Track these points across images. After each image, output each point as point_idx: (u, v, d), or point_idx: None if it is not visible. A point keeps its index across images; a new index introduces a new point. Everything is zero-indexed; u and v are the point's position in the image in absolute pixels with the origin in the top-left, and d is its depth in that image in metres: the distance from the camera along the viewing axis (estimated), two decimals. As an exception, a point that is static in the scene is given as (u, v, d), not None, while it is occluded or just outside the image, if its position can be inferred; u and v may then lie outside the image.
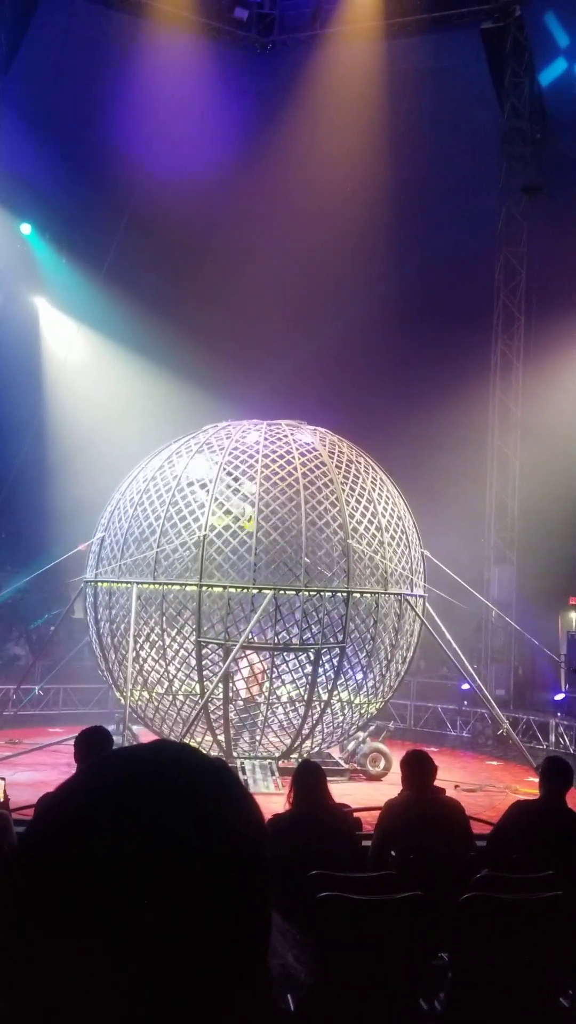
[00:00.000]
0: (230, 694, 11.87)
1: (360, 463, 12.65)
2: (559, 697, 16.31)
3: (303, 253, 19.55)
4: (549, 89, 18.85)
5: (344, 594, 11.84)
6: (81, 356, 19.91)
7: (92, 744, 5.68)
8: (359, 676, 12.50)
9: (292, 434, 12.63)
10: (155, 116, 18.40)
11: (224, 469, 12.05)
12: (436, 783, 6.08)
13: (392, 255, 19.76)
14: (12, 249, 19.06)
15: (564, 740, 15.41)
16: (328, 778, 6.07)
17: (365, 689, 12.54)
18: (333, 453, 12.52)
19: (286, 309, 19.54)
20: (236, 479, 12.08)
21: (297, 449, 12.32)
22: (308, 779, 5.76)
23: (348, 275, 19.33)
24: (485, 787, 12.01)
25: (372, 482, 12.50)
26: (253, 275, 19.60)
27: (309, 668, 12.02)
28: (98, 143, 18.88)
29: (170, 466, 12.41)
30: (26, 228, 19.28)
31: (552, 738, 15.53)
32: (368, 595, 12.08)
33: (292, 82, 19.53)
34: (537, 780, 6.34)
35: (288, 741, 12.15)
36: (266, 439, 12.41)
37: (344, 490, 12.11)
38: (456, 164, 19.37)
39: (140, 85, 18.32)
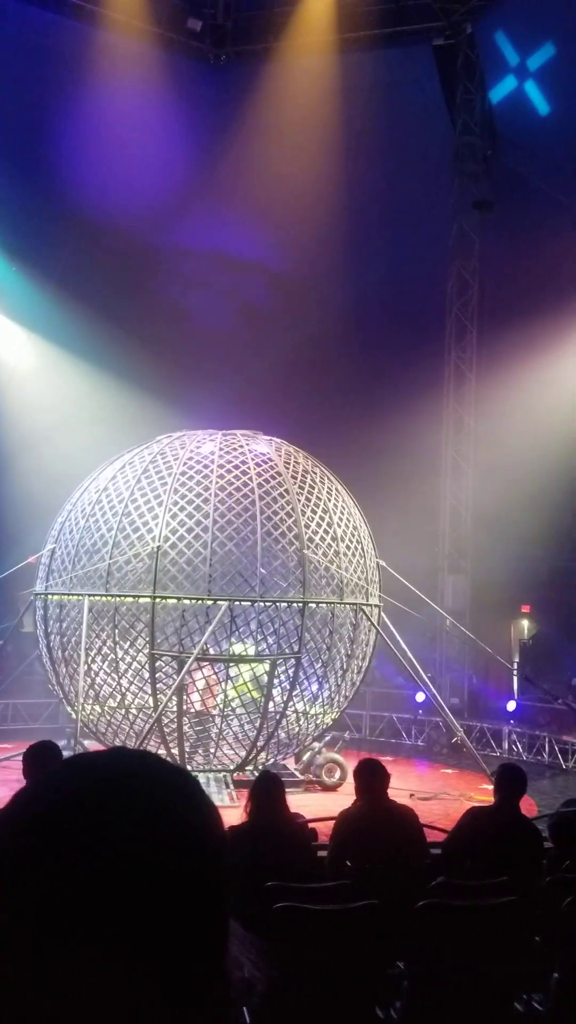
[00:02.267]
0: (184, 707, 11.76)
1: (316, 473, 12.66)
2: (511, 706, 16.46)
3: (257, 264, 19.61)
4: (500, 106, 19.17)
5: (299, 604, 11.81)
6: (32, 365, 19.68)
7: (41, 759, 5.58)
8: (315, 687, 12.47)
9: (247, 444, 12.60)
10: (107, 125, 18.34)
11: (178, 480, 11.96)
12: (391, 792, 6.07)
13: (347, 268, 19.89)
14: (-39, 258, 18.83)
15: (517, 747, 15.54)
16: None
17: (320, 700, 12.51)
18: (289, 463, 12.51)
19: (240, 320, 19.58)
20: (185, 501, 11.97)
21: (253, 459, 12.29)
22: (267, 790, 5.72)
23: (303, 287, 19.43)
24: (440, 795, 12.04)
25: (328, 492, 12.52)
26: (207, 286, 19.60)
27: (265, 679, 11.97)
28: (49, 152, 18.74)
29: (123, 476, 12.30)
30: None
31: (505, 745, 15.66)
32: (323, 605, 12.08)
33: (245, 94, 19.61)
34: (491, 787, 6.37)
35: (243, 753, 12.07)
36: (221, 449, 12.36)
37: (300, 500, 12.10)
38: (409, 179, 19.59)
39: (92, 94, 18.24)
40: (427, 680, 13.59)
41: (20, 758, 6.18)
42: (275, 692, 11.97)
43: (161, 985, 0.71)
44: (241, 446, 12.49)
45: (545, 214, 17.75)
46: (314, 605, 11.97)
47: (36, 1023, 0.69)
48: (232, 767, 11.95)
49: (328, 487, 12.61)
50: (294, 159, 19.10)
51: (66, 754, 7.93)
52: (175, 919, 0.72)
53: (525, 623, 18.74)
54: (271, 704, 11.93)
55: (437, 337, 19.49)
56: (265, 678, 11.91)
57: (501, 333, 18.28)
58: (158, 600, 11.54)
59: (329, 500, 12.42)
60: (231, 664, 12.10)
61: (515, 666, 16.87)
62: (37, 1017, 0.69)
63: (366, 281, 19.76)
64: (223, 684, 12.16)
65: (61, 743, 7.75)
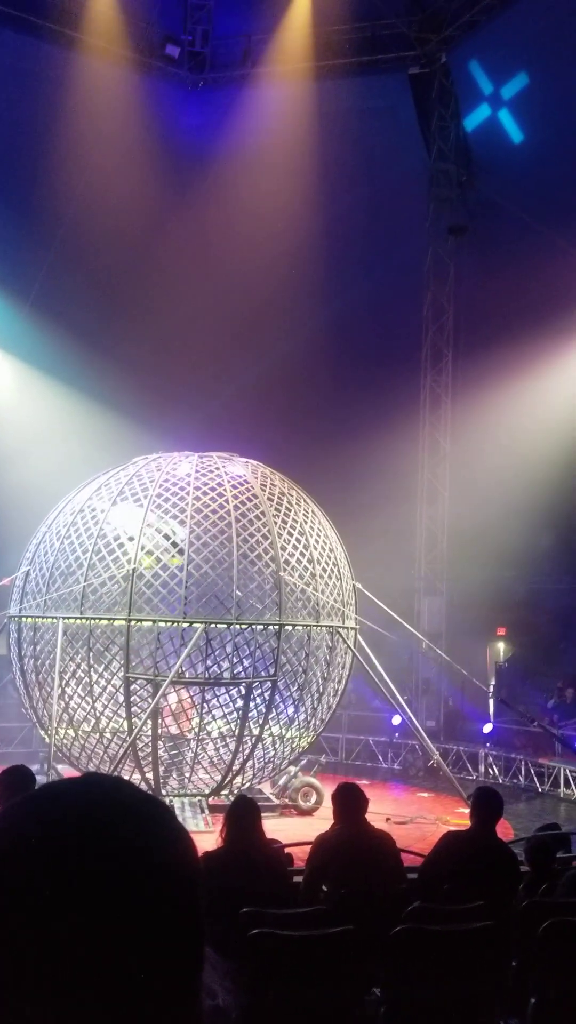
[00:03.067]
0: (159, 731, 11.66)
1: (292, 495, 12.67)
2: (488, 728, 16.46)
3: (233, 289, 19.71)
4: (474, 134, 19.48)
5: (276, 627, 11.77)
6: (7, 387, 19.61)
7: (13, 784, 5.49)
8: (291, 710, 12.42)
9: (224, 466, 12.59)
10: (85, 149, 18.41)
11: (154, 502, 11.93)
12: (367, 816, 6.03)
13: (323, 292, 20.05)
14: None
15: (493, 770, 15.54)
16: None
17: (297, 723, 12.45)
18: (265, 486, 12.52)
19: (217, 343, 19.63)
20: (165, 520, 11.92)
21: (229, 481, 12.28)
22: (243, 815, 5.66)
23: (279, 311, 19.53)
24: (416, 819, 12.00)
25: (304, 514, 12.52)
26: (183, 310, 19.66)
27: (240, 702, 11.90)
28: (26, 174, 18.77)
29: (98, 498, 12.24)
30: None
31: (482, 768, 15.65)
32: (300, 628, 12.04)
33: (223, 119, 19.79)
34: (468, 811, 6.35)
35: (218, 778, 11.97)
36: (197, 471, 12.34)
37: (276, 522, 12.10)
38: (385, 205, 19.81)
39: (69, 118, 18.33)
40: (403, 703, 13.56)
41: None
42: (251, 715, 11.90)
43: (134, 1014, 0.70)
44: (217, 468, 12.48)
45: (518, 239, 18.00)
46: (290, 628, 11.94)
47: None
48: (207, 791, 11.85)
49: (304, 509, 12.62)
50: (271, 184, 19.27)
51: (40, 779, 7.83)
52: (147, 949, 0.72)
53: (501, 645, 18.79)
54: (247, 728, 11.85)
55: (413, 360, 19.66)
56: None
57: (476, 356, 18.47)
58: (133, 623, 11.47)
59: (305, 522, 12.43)
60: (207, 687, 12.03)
61: (491, 688, 16.89)
62: None
63: (342, 305, 19.92)
64: (198, 707, 12.08)
65: (34, 767, 7.65)
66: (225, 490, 12.10)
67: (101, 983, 0.69)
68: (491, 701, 16.87)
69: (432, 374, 19.40)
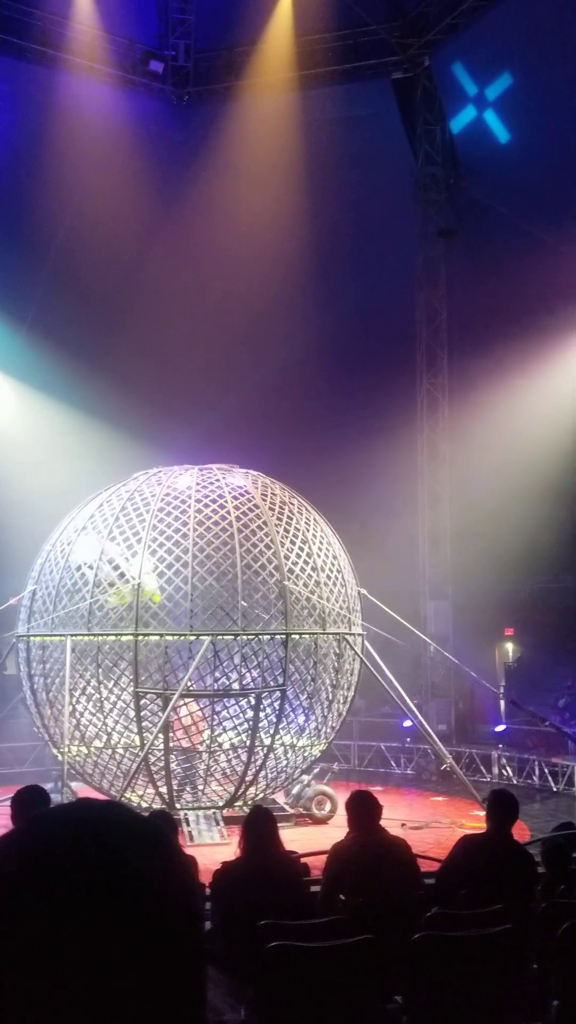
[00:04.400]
0: (171, 744, 11.65)
1: (293, 504, 12.68)
2: (500, 729, 16.43)
3: (226, 300, 19.76)
4: (460, 136, 19.54)
5: (282, 636, 11.77)
6: (7, 407, 19.67)
7: (28, 804, 5.49)
8: (301, 719, 12.40)
9: (224, 478, 12.61)
10: (74, 169, 18.49)
11: (155, 516, 11.94)
12: (382, 822, 6.02)
13: (315, 300, 20.11)
14: None
15: (507, 771, 15.50)
16: (273, 824, 5.97)
17: (308, 731, 12.44)
18: (266, 495, 12.53)
19: (212, 356, 19.68)
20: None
21: (230, 493, 12.30)
22: (260, 826, 5.66)
23: (272, 321, 19.57)
24: (431, 823, 11.97)
25: (306, 523, 12.53)
26: (177, 323, 19.72)
27: (250, 713, 11.89)
28: (17, 196, 18.85)
29: (101, 515, 12.26)
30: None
31: (495, 770, 15.61)
32: (307, 636, 12.04)
33: (209, 132, 19.88)
34: (483, 813, 6.34)
35: (232, 789, 11.95)
36: (198, 484, 12.36)
37: (278, 532, 12.11)
38: (373, 211, 19.87)
39: (57, 138, 18.40)
40: (413, 708, 13.55)
41: (7, 803, 6.10)
42: (261, 725, 11.88)
43: None
44: (217, 480, 12.50)
45: (509, 239, 18.06)
46: (297, 636, 11.94)
47: None
48: (221, 803, 11.83)
49: (306, 517, 12.63)
50: (258, 194, 19.35)
51: (54, 797, 7.83)
52: (144, 970, 0.72)
53: (509, 646, 18.77)
54: (258, 738, 11.84)
55: (408, 365, 19.70)
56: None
57: (472, 358, 18.50)
58: (140, 637, 11.47)
59: (308, 530, 12.43)
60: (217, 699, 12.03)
61: (501, 689, 16.86)
62: None
63: (335, 313, 19.97)
64: (209, 720, 12.07)
65: (48, 786, 7.64)
66: (226, 501, 12.11)
67: (100, 1006, 0.69)
68: (501, 702, 16.85)
69: (428, 377, 19.42)
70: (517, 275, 17.40)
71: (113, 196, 18.73)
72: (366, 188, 19.75)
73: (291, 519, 12.36)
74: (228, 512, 12.00)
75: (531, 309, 17.56)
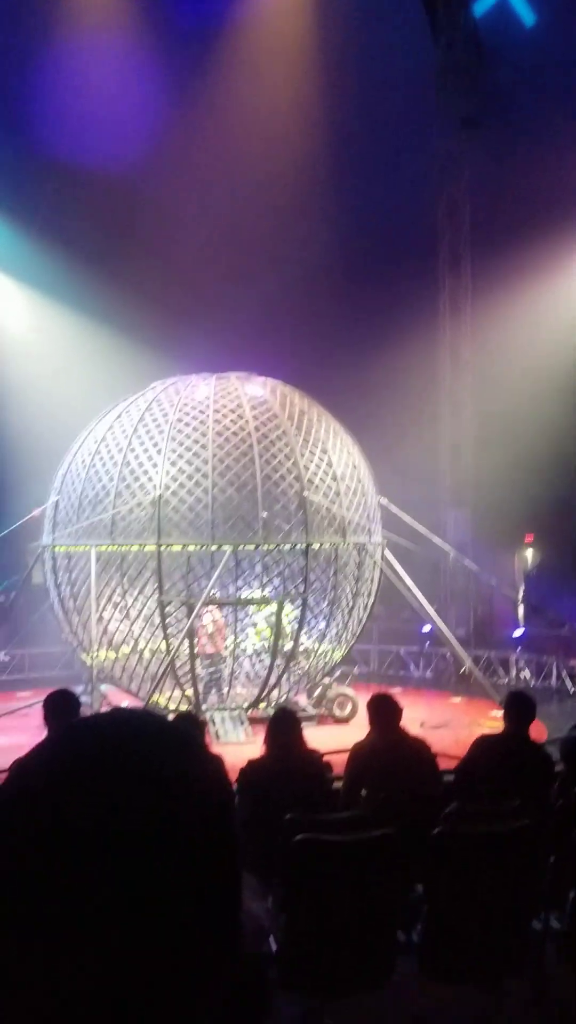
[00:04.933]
0: (195, 650, 11.92)
1: (313, 413, 12.60)
2: (518, 633, 16.65)
3: (240, 202, 19.24)
4: (483, 20, 18.63)
5: (303, 546, 11.88)
6: (21, 317, 19.47)
7: (60, 706, 5.69)
8: (322, 625, 12.61)
9: (242, 387, 12.52)
10: (81, 64, 17.83)
11: (174, 427, 11.93)
12: (402, 723, 6.19)
13: (332, 199, 19.53)
14: None
15: (525, 674, 15.77)
16: (296, 725, 6.14)
17: (329, 637, 12.67)
18: (285, 404, 12.46)
19: (227, 261, 19.28)
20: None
21: (248, 402, 12.24)
22: (284, 725, 5.85)
23: (289, 224, 19.08)
24: (450, 724, 12.25)
25: (326, 432, 12.48)
26: (191, 227, 19.27)
27: (273, 620, 12.11)
28: (23, 98, 18.25)
29: (119, 426, 12.27)
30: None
31: (513, 672, 15.88)
32: (327, 545, 12.14)
33: (220, 23, 19.03)
34: (500, 714, 6.49)
35: (256, 692, 12.27)
36: (216, 393, 12.29)
37: (298, 441, 12.08)
38: (392, 103, 19.09)
39: (63, 37, 17.70)
40: (433, 613, 13.73)
41: (39, 706, 6.29)
42: (283, 631, 12.11)
43: (176, 935, 0.72)
44: (236, 389, 12.42)
45: (535, 129, 17.33)
46: (317, 546, 12.04)
47: (44, 985, 0.71)
48: (246, 705, 12.16)
49: (326, 427, 12.57)
50: (273, 88, 18.63)
51: (83, 699, 8.08)
52: (185, 873, 0.74)
53: (529, 553, 18.84)
54: (280, 643, 12.09)
55: (430, 266, 19.19)
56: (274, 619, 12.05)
57: (496, 257, 17.98)
58: (163, 548, 11.62)
59: (327, 440, 12.40)
60: (241, 607, 12.25)
61: (520, 595, 17.01)
62: (46, 978, 0.70)
63: (353, 213, 19.42)
64: (232, 627, 12.31)
65: (78, 689, 7.90)
66: (245, 411, 12.07)
67: (140, 909, 0.71)
68: (520, 607, 17.03)
69: (450, 279, 18.95)
70: (544, 168, 16.76)
71: (121, 92, 18.09)
72: (384, 79, 18.93)
73: (310, 428, 12.31)
74: (247, 422, 11.96)
75: (559, 203, 16.95)
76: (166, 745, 0.80)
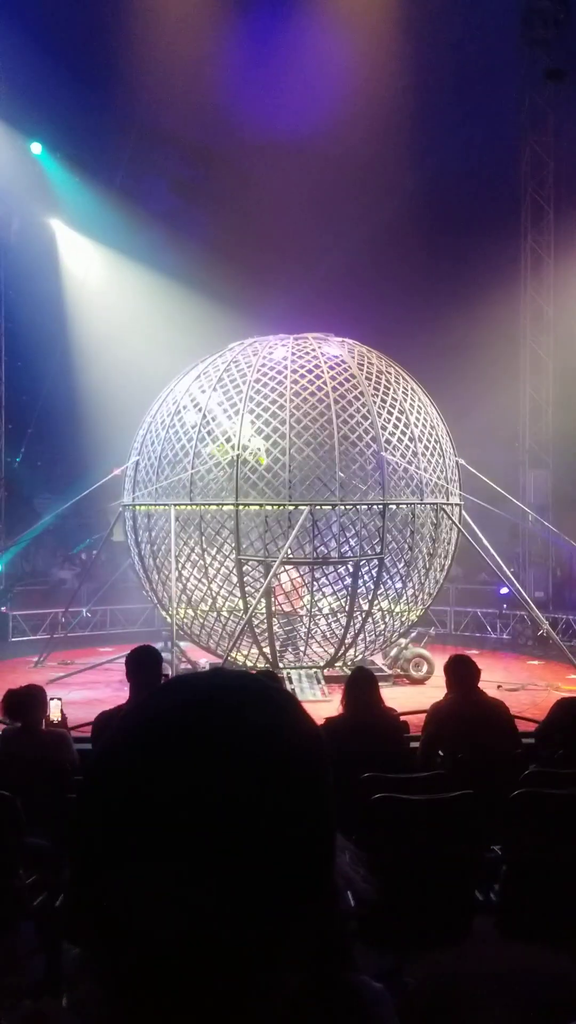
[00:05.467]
0: (273, 608, 12.06)
1: (390, 373, 12.51)
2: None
3: (319, 159, 18.99)
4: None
5: (380, 507, 11.87)
6: (100, 277, 19.67)
7: (142, 662, 5.84)
8: (398, 585, 12.62)
9: (320, 347, 12.49)
10: (159, 25, 17.71)
11: (252, 388, 11.99)
12: (479, 684, 6.19)
13: (412, 153, 19.13)
14: (24, 170, 18.63)
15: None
16: (373, 685, 6.20)
17: (405, 598, 12.68)
18: (362, 365, 12.39)
19: (305, 220, 19.10)
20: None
21: (326, 363, 12.20)
22: (362, 684, 5.92)
23: (366, 179, 18.77)
24: (527, 686, 12.19)
25: (403, 392, 12.38)
26: (269, 186, 19.10)
27: (349, 580, 12.16)
28: (103, 55, 18.26)
29: (198, 386, 12.38)
30: (36, 148, 18.80)
31: (592, 636, 15.66)
32: (404, 506, 12.11)
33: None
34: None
35: (332, 651, 12.38)
36: (293, 354, 12.29)
37: (375, 402, 12.02)
38: (475, 53, 18.51)
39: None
40: (511, 575, 13.60)
41: (121, 661, 6.48)
42: (360, 592, 12.16)
43: (271, 890, 0.74)
44: (313, 350, 12.39)
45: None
46: (394, 507, 12.02)
47: (137, 926, 0.72)
48: (322, 663, 12.29)
49: (403, 387, 12.47)
50: (353, 37, 18.20)
51: (164, 655, 8.27)
52: (280, 835, 0.75)
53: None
54: (356, 604, 12.15)
55: (512, 221, 18.69)
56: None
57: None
58: (241, 507, 11.75)
59: (405, 400, 12.30)
60: (317, 567, 12.32)
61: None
62: (138, 920, 0.72)
63: (432, 168, 19.01)
64: (308, 586, 12.41)
65: (158, 645, 8.08)
66: (323, 372, 12.04)
67: (241, 857, 0.73)
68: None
69: (533, 234, 18.43)
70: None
71: (198, 46, 17.93)
72: (467, 28, 18.35)
73: (388, 388, 12.23)
74: (324, 383, 11.94)
75: None
76: (267, 704, 0.82)
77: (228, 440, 11.84)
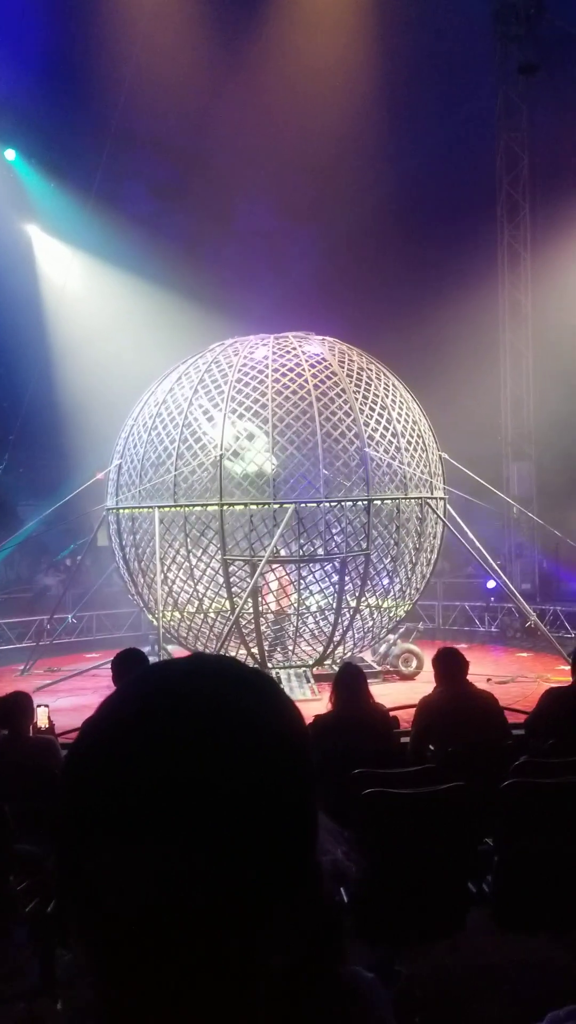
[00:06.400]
0: (260, 608, 12.04)
1: (371, 370, 12.52)
2: (584, 587, 16.44)
3: (293, 160, 18.98)
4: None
5: (364, 502, 11.87)
6: (79, 282, 19.60)
7: (128, 665, 5.82)
8: (385, 581, 12.63)
9: (300, 346, 12.48)
10: (134, 26, 17.65)
11: (233, 388, 11.97)
12: (468, 677, 6.19)
13: (388, 150, 19.16)
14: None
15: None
16: (362, 681, 6.19)
17: (392, 593, 12.68)
18: (343, 362, 12.39)
19: (283, 219, 19.11)
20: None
21: (307, 361, 12.20)
22: (350, 680, 5.91)
23: (343, 179, 18.79)
24: (517, 678, 12.23)
25: (385, 388, 12.40)
26: (246, 186, 19.11)
27: (336, 577, 12.16)
28: (76, 59, 18.19)
29: (180, 388, 12.34)
30: (10, 154, 18.73)
31: (580, 627, 15.71)
32: (388, 501, 12.12)
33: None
34: (568, 668, 6.45)
35: (320, 649, 12.37)
36: (274, 353, 12.28)
37: (357, 399, 12.03)
38: (447, 49, 18.55)
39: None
40: (497, 568, 13.63)
41: (108, 666, 6.45)
42: (347, 588, 12.16)
43: (255, 874, 0.73)
44: (294, 348, 12.39)
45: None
46: (379, 502, 12.02)
47: (128, 922, 0.71)
48: (311, 662, 12.28)
49: (385, 383, 12.48)
50: (325, 36, 18.21)
51: (151, 659, 8.24)
52: (264, 816, 0.75)
53: (594, 504, 18.49)
54: (344, 600, 12.14)
55: (488, 216, 18.76)
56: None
57: (556, 207, 17.52)
58: (226, 507, 11.72)
59: (387, 396, 12.32)
60: (303, 565, 12.31)
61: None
62: (129, 916, 0.71)
63: (409, 163, 19.04)
64: (295, 584, 12.39)
65: (145, 649, 8.06)
66: (304, 370, 12.04)
67: (221, 844, 0.72)
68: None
69: (509, 229, 18.49)
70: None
71: (173, 48, 17.90)
72: (441, 25, 18.39)
73: (369, 385, 12.24)
74: (306, 381, 11.94)
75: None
76: (245, 686, 0.81)
77: (211, 441, 11.81)
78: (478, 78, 18.51)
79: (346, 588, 12.11)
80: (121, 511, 12.68)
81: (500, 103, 18.35)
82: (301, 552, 12.40)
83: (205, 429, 11.95)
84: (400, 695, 10.18)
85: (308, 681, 11.75)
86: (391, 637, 13.13)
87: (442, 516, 12.55)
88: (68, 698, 11.28)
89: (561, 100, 17.73)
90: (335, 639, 12.30)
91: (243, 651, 12.24)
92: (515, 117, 18.37)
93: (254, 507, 11.99)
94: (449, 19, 18.53)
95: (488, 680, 11.18)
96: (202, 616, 12.39)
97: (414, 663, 12.66)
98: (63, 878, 0.77)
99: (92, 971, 0.75)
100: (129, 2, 17.50)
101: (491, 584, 15.78)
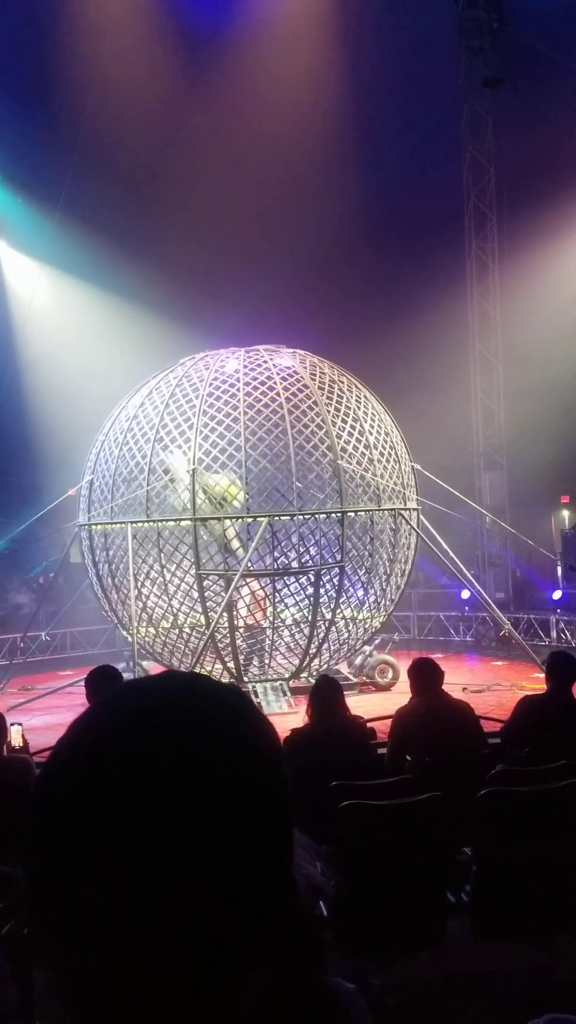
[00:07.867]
0: (235, 622, 12.00)
1: (343, 382, 12.56)
2: (557, 595, 16.56)
3: (261, 174, 19.06)
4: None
5: (338, 514, 11.89)
6: (47, 297, 19.51)
7: (102, 682, 5.77)
8: (360, 593, 12.64)
9: (271, 359, 12.50)
10: (99, 40, 17.69)
11: (205, 402, 11.96)
12: (444, 687, 6.20)
13: (354, 165, 19.30)
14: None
15: (566, 635, 15.70)
16: (339, 693, 6.18)
17: (367, 605, 12.69)
18: (315, 375, 12.42)
19: (251, 233, 19.15)
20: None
21: (278, 374, 12.22)
22: (326, 692, 5.89)
23: (311, 192, 18.89)
24: (492, 687, 12.27)
25: (356, 400, 12.44)
26: (213, 201, 19.14)
27: (311, 589, 12.15)
28: (41, 74, 18.18)
29: (151, 403, 12.31)
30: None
31: (554, 634, 15.82)
32: (362, 513, 12.14)
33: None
34: (542, 675, 6.48)
35: (296, 662, 12.34)
36: (246, 367, 12.29)
37: (329, 411, 12.06)
38: (412, 65, 18.76)
39: (81, 10, 17.57)
40: (471, 578, 13.69)
41: (82, 684, 6.39)
42: (322, 601, 12.15)
43: (229, 898, 0.72)
44: (265, 361, 12.41)
45: (560, 86, 16.96)
46: (353, 514, 12.04)
47: (103, 943, 0.70)
48: (287, 675, 12.24)
49: (356, 395, 12.53)
50: (291, 55, 18.36)
51: (126, 676, 8.18)
52: (240, 833, 0.74)
53: (566, 513, 18.68)
54: (319, 613, 12.13)
55: (456, 228, 18.94)
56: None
57: (523, 217, 17.72)
58: (199, 522, 11.68)
59: (359, 408, 12.36)
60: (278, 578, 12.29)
61: (558, 556, 16.90)
62: (103, 937, 0.70)
63: (376, 178, 19.18)
64: (270, 598, 12.37)
65: (120, 666, 8.00)
66: (275, 383, 12.05)
67: (196, 863, 0.72)
68: (559, 568, 16.92)
69: (477, 241, 18.68)
70: (571, 125, 16.43)
71: (139, 67, 17.95)
72: (403, 39, 18.59)
73: (341, 397, 12.28)
74: (278, 394, 11.95)
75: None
76: (217, 703, 0.80)
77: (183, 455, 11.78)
78: (444, 91, 18.71)
79: (321, 600, 12.11)
80: (94, 527, 12.61)
81: (466, 116, 18.56)
82: (276, 565, 12.38)
83: (178, 443, 11.91)
84: (377, 706, 10.18)
85: (285, 694, 11.72)
86: (367, 648, 13.13)
87: (415, 527, 12.59)
88: (42, 716, 11.16)
89: (526, 112, 17.98)
90: (311, 652, 12.28)
91: (219, 666, 12.19)
92: (481, 130, 18.58)
93: (228, 521, 11.97)
94: (414, 33, 18.75)
95: (464, 689, 11.21)
96: (177, 631, 12.32)
97: (390, 674, 12.67)
98: (33, 900, 0.75)
99: (64, 995, 0.73)
100: (94, 16, 17.54)
101: (465, 594, 15.85)
